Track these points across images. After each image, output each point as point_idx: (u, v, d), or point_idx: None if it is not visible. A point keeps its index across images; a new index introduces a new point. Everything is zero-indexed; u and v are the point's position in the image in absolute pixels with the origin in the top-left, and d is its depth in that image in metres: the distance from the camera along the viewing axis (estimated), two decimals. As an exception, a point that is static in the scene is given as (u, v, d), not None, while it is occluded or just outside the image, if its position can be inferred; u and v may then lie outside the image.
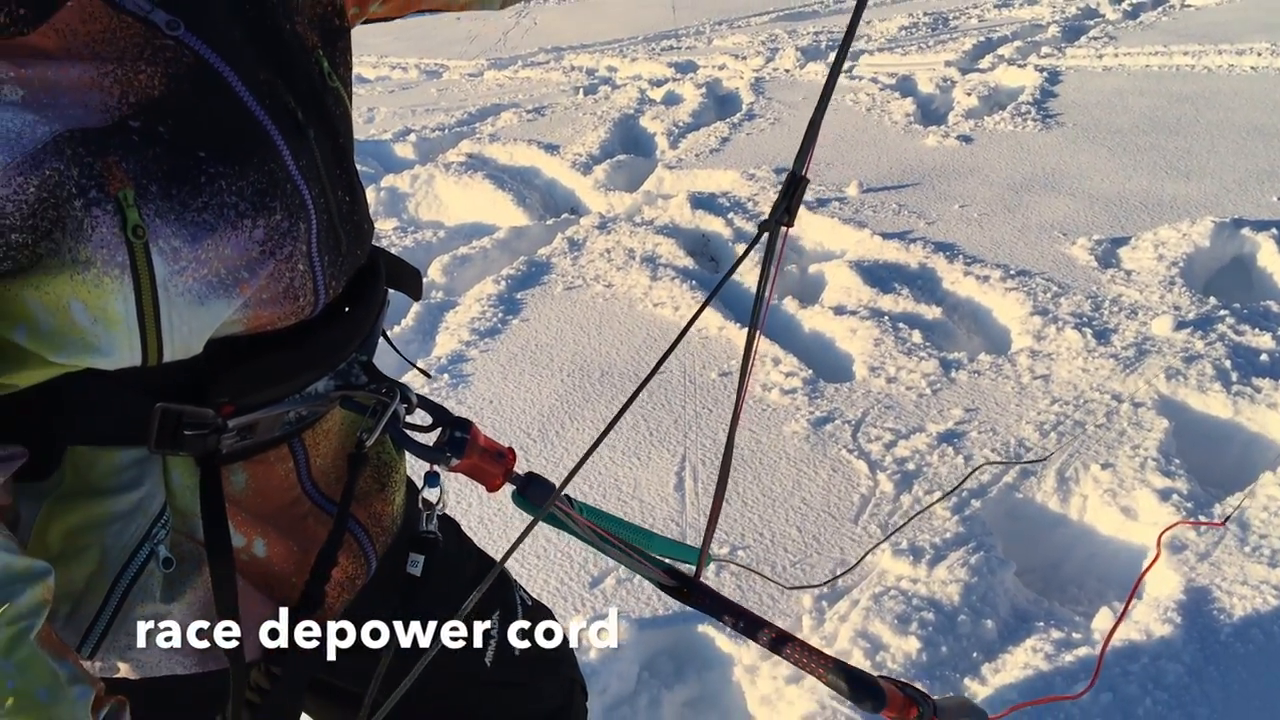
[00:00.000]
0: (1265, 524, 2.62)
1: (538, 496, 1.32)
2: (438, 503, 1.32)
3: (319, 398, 1.15)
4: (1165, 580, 2.49)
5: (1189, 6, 9.61)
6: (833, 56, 1.21)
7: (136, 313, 0.94)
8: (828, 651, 1.55)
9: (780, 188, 1.16)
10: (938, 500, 2.78)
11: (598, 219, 5.16)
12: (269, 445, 1.14)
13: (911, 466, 2.98)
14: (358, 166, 1.20)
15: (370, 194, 5.62)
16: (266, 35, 1.04)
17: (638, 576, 2.56)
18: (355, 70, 6.62)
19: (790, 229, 1.17)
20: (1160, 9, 9.59)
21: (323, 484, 1.22)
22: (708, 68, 8.29)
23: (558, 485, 1.19)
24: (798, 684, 2.27)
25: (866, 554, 2.62)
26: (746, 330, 1.23)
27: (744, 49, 8.94)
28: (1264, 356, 3.37)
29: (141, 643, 1.11)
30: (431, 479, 1.31)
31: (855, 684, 1.42)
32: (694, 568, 1.48)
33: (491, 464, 1.29)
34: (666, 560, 1.50)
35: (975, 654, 2.36)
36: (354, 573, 1.27)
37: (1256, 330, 3.51)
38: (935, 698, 1.47)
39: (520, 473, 1.31)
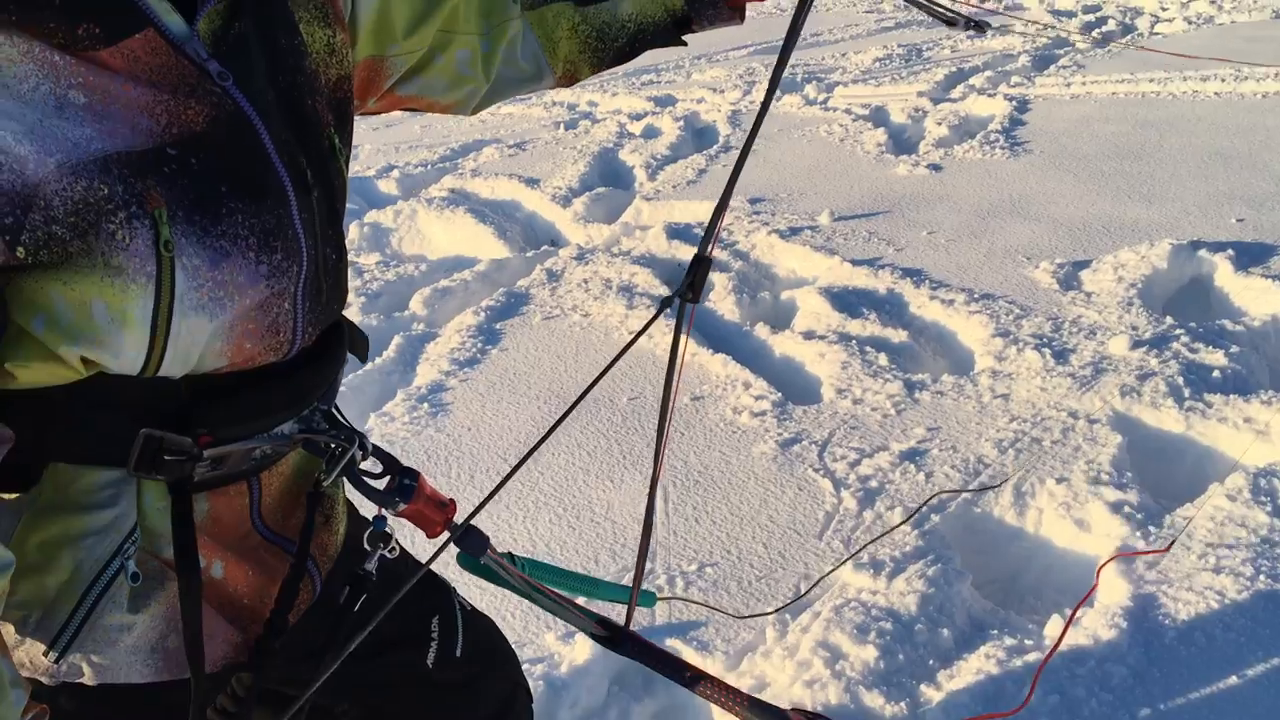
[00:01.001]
0: (1212, 533, 2.73)
1: (474, 547, 1.41)
2: (388, 546, 1.41)
3: (283, 439, 1.25)
4: (1114, 588, 2.59)
5: (1156, 34, 9.83)
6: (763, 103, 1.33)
7: (152, 319, 1.05)
8: (740, 687, 1.65)
9: (695, 256, 1.29)
10: (899, 524, 2.88)
11: (576, 250, 5.28)
12: (231, 480, 1.24)
13: (874, 484, 3.08)
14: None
15: (354, 229, 5.74)
16: (292, 104, 1.18)
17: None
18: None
19: (696, 303, 1.32)
20: (1129, 37, 9.80)
21: (270, 520, 1.31)
22: (686, 101, 8.45)
23: (470, 514, 1.28)
24: (762, 692, 2.36)
25: (822, 578, 2.72)
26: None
27: (722, 82, 9.11)
28: (1216, 373, 3.49)
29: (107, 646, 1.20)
30: (379, 522, 1.41)
31: (764, 715, 1.53)
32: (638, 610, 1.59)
33: (434, 511, 1.38)
34: (596, 614, 1.61)
35: (931, 661, 2.45)
36: (303, 598, 1.37)
37: (1210, 348, 3.63)
38: None
39: (458, 523, 1.40)
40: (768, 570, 2.79)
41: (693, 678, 1.55)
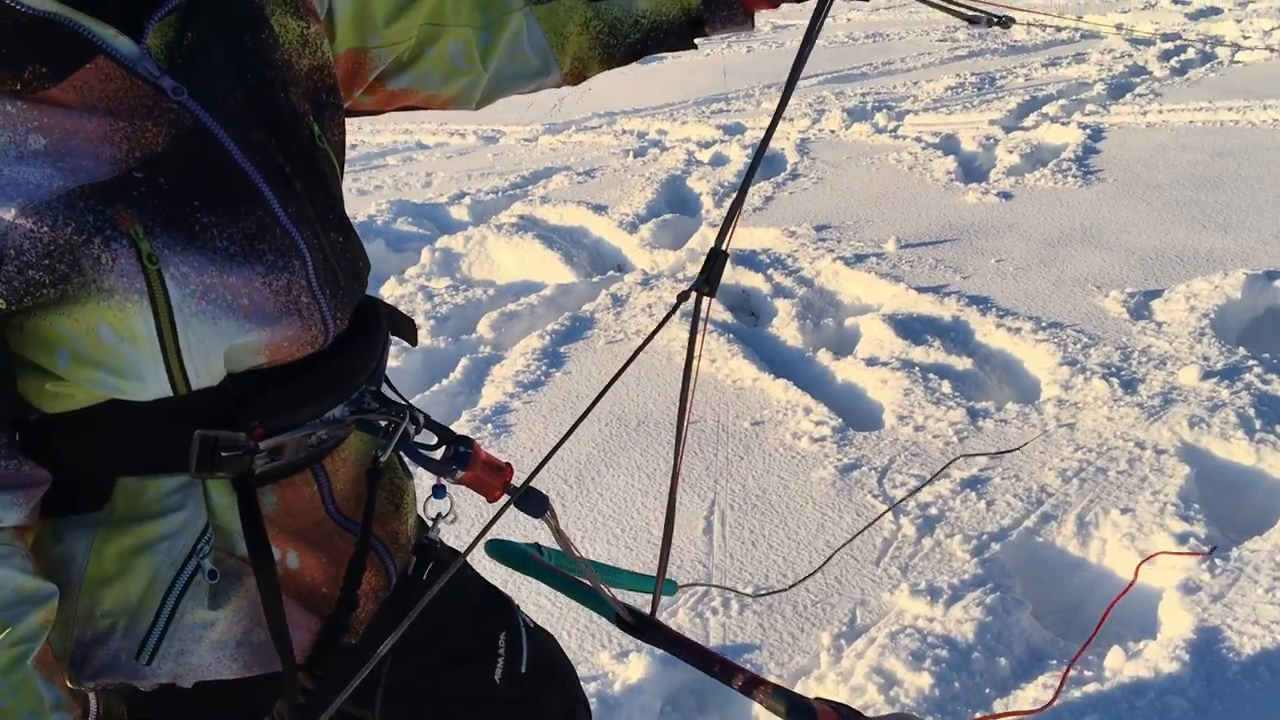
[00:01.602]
0: (1279, 566, 2.67)
1: (535, 508, 1.44)
2: (449, 514, 1.47)
3: (337, 422, 1.30)
4: (1177, 620, 2.55)
5: (1237, 63, 9.65)
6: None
7: (157, 330, 1.09)
8: (772, 681, 1.66)
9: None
10: (916, 490, 2.91)
11: (641, 275, 5.32)
12: (295, 469, 1.28)
13: (934, 511, 3.07)
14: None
15: (425, 254, 5.84)
16: (264, 101, 1.20)
17: (661, 612, 2.69)
18: (415, 137, 6.89)
19: (712, 298, 1.35)
20: (1208, 65, 9.64)
21: (344, 506, 1.36)
22: (755, 129, 8.48)
23: (530, 474, 1.32)
24: None
25: (826, 560, 2.76)
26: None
27: (791, 110, 9.12)
28: (1290, 404, 3.41)
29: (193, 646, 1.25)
30: (438, 491, 1.45)
31: (790, 705, 1.54)
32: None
33: (492, 476, 1.42)
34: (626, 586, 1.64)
35: (988, 690, 2.43)
36: (378, 585, 1.41)
37: (1284, 379, 3.56)
38: (871, 715, 1.59)
39: (516, 485, 1.44)
40: (823, 595, 2.78)
41: (713, 663, 1.56)
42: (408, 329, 1.49)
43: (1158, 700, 2.29)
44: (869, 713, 1.85)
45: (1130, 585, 2.61)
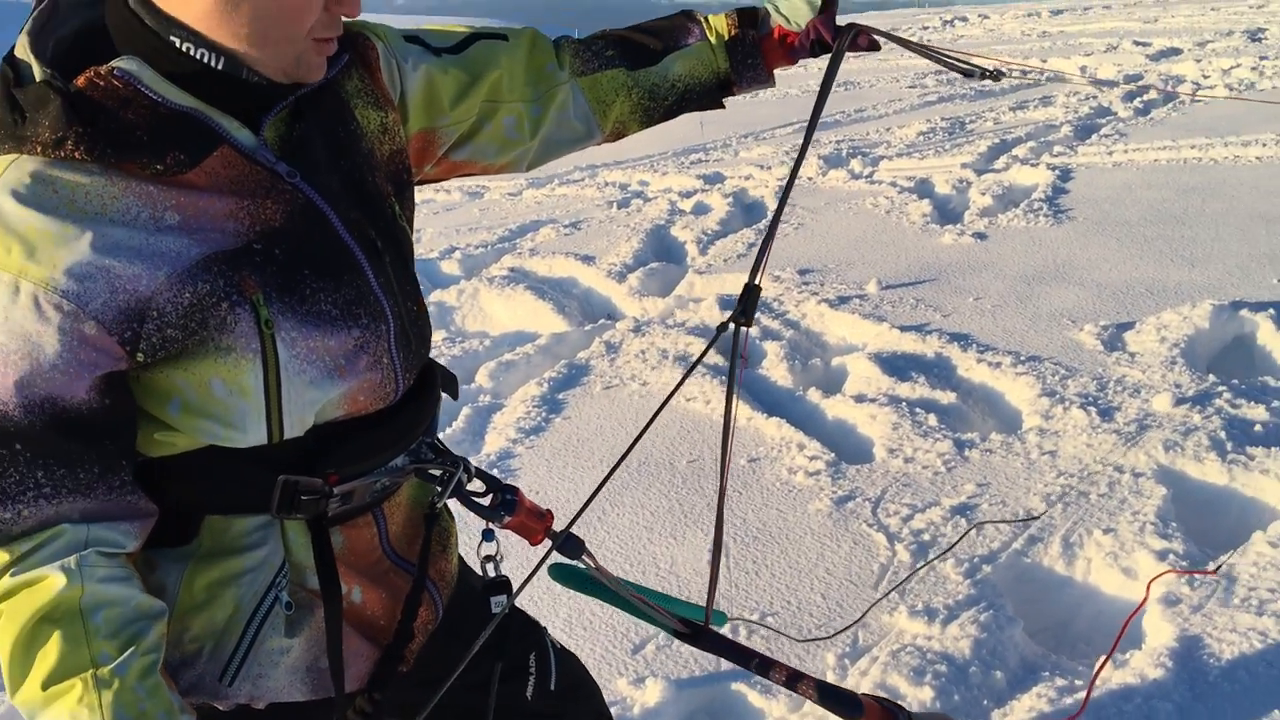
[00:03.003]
0: (1254, 578, 2.83)
1: (573, 550, 1.59)
2: (496, 554, 1.62)
3: (398, 471, 1.45)
4: (1160, 630, 2.70)
5: (1198, 102, 9.97)
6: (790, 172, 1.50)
7: (264, 387, 1.24)
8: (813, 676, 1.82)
9: (742, 297, 1.50)
10: (934, 559, 3.03)
11: (633, 323, 5.50)
12: (358, 512, 1.44)
13: (927, 537, 3.22)
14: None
15: (420, 308, 5.99)
16: (355, 184, 1.38)
17: (675, 643, 2.83)
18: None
19: (749, 328, 1.52)
20: (1170, 105, 9.96)
21: (398, 547, 1.51)
22: (734, 178, 8.72)
23: (571, 520, 1.48)
24: (823, 733, 2.50)
25: (871, 607, 2.87)
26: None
27: (768, 159, 9.38)
28: (1258, 427, 3.60)
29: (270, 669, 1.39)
30: (487, 535, 1.61)
31: (836, 700, 1.69)
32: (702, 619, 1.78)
33: (535, 521, 1.58)
34: (678, 614, 1.80)
35: (985, 701, 2.57)
36: (428, 619, 1.56)
37: (1252, 403, 3.75)
38: (913, 711, 1.73)
39: (557, 531, 1.59)
40: (826, 619, 2.93)
41: (765, 665, 1.71)
42: (452, 385, 1.65)
43: (1144, 704, 2.44)
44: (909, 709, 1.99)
45: (1144, 602, 2.77)
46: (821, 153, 9.02)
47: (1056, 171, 7.57)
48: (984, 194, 7.13)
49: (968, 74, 1.73)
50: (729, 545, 3.32)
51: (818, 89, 1.64)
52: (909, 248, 6.20)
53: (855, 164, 8.59)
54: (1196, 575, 2.88)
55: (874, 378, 4.36)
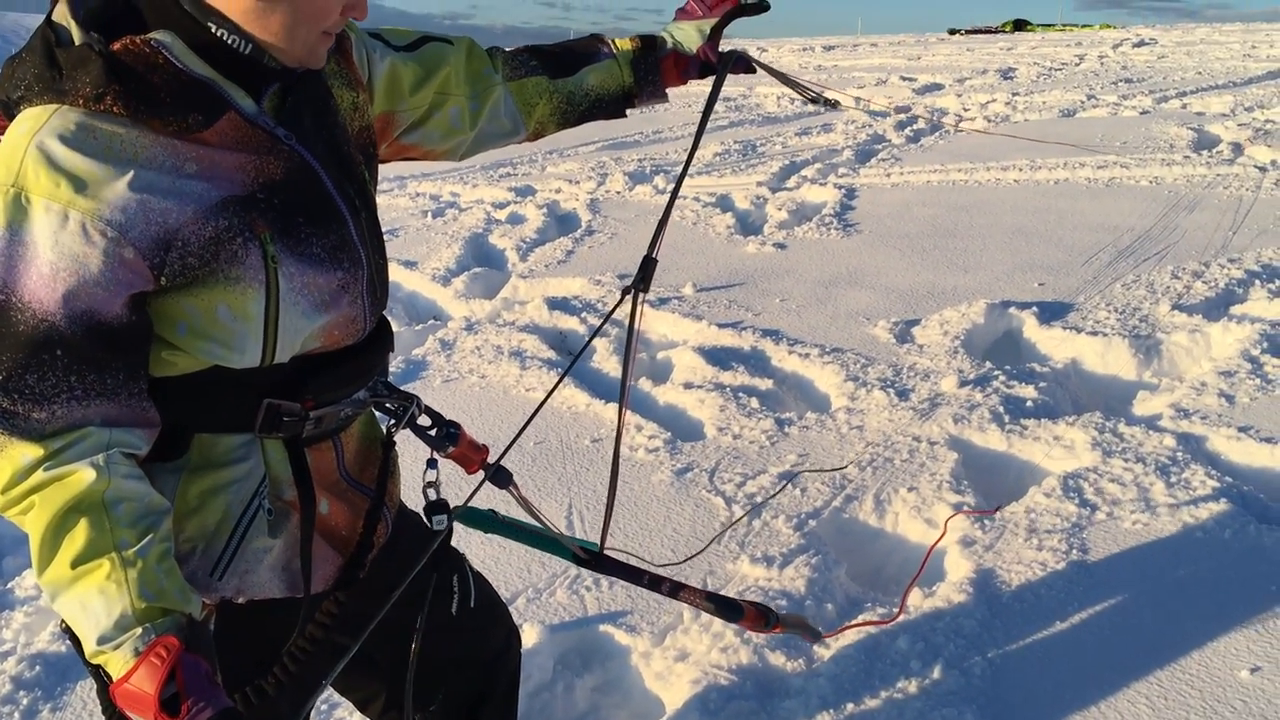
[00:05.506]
0: (1033, 521, 3.36)
1: (503, 480, 1.86)
2: (436, 480, 1.87)
3: (359, 403, 1.70)
4: (959, 566, 3.18)
5: (960, 131, 10.98)
6: (681, 168, 1.80)
7: (264, 313, 1.47)
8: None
9: (636, 270, 1.82)
10: (762, 503, 3.46)
11: (464, 322, 5.73)
12: (321, 438, 1.68)
13: (759, 499, 3.62)
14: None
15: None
16: (334, 150, 1.62)
17: (545, 593, 3.11)
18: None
19: (646, 293, 1.82)
20: (937, 134, 10.92)
21: (352, 470, 1.75)
22: (545, 191, 9.05)
23: (501, 454, 1.76)
24: (684, 661, 2.84)
25: (715, 538, 3.25)
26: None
27: (576, 174, 9.76)
28: (1029, 403, 4.19)
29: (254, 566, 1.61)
30: (431, 462, 1.87)
31: (720, 604, 2.03)
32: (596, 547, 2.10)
33: (474, 452, 1.85)
34: (577, 541, 2.10)
35: (820, 628, 2.97)
36: (381, 533, 1.80)
37: (1023, 384, 4.35)
38: (779, 613, 2.09)
39: (490, 463, 1.86)
40: (677, 570, 3.26)
41: (655, 581, 2.02)
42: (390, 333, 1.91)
43: (953, 622, 2.90)
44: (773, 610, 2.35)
45: (942, 535, 3.26)
46: (627, 170, 9.47)
47: (843, 190, 8.25)
48: (780, 209, 7.72)
49: (814, 101, 2.10)
50: (583, 513, 3.63)
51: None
52: (717, 255, 6.69)
53: (659, 180, 9.07)
54: (985, 516, 3.39)
55: (699, 368, 4.76)
